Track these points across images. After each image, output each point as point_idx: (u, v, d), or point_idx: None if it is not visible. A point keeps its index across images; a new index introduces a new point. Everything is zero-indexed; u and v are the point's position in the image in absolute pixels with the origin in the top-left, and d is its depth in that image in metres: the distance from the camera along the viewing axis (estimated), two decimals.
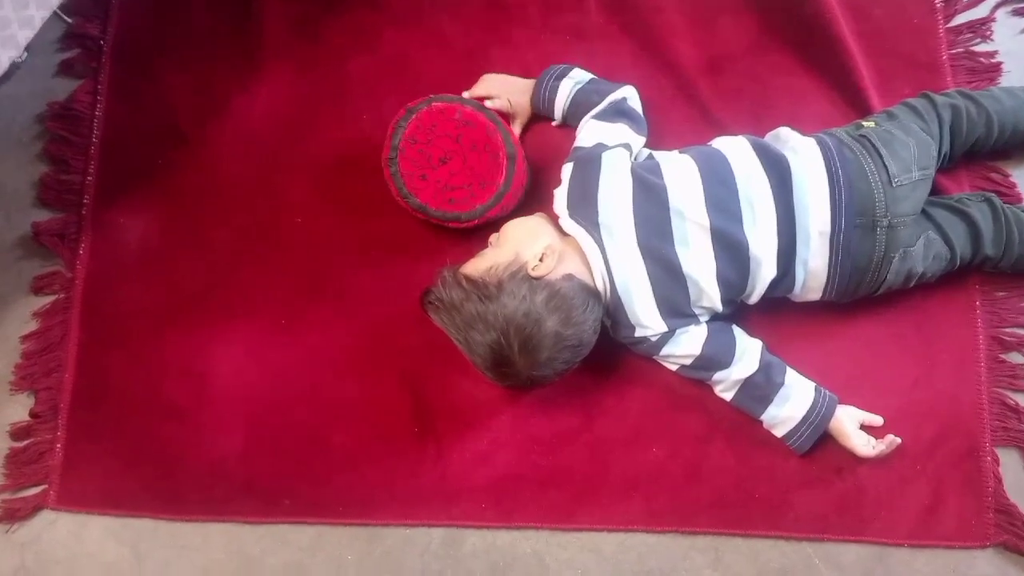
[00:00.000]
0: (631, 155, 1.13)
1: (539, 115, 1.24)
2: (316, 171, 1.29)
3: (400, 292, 1.22)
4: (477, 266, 1.08)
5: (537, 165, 1.24)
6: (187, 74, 1.32)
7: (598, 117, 1.17)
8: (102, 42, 1.35)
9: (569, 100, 1.20)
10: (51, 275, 1.29)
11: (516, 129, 1.22)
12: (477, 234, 1.19)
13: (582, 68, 1.22)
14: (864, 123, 1.12)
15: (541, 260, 1.06)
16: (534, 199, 1.22)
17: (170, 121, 1.31)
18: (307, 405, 1.21)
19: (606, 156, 1.11)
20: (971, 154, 1.18)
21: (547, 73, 1.21)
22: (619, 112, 1.17)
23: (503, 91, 1.22)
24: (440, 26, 1.32)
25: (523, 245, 1.08)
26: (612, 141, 1.14)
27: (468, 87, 1.25)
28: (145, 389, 1.23)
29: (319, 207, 1.27)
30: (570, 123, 1.21)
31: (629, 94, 1.19)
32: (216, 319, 1.24)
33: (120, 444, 1.22)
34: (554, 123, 1.24)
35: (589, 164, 1.11)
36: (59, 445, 1.23)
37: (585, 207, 1.09)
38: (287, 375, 1.22)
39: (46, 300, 1.28)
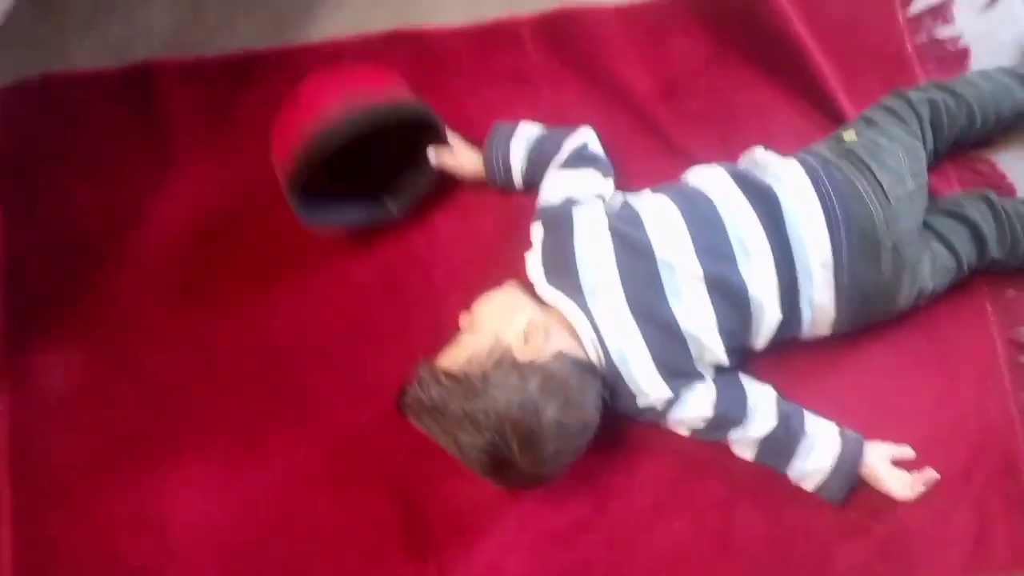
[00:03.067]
0: (604, 205, 1.03)
1: (497, 188, 1.13)
2: (255, 267, 1.16)
3: (371, 391, 1.10)
4: (455, 357, 0.96)
5: (502, 227, 1.13)
6: (91, 182, 1.18)
7: (560, 167, 1.07)
8: None
9: (525, 162, 1.10)
10: None
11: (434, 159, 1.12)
12: (448, 318, 1.06)
13: (528, 121, 1.12)
14: (844, 135, 1.05)
15: (526, 341, 0.95)
16: (503, 265, 1.09)
17: (79, 237, 1.17)
18: (284, 538, 1.08)
19: (578, 213, 1.01)
20: (955, 146, 1.12)
21: (492, 140, 1.11)
22: (581, 158, 1.08)
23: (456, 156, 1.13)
24: None
25: (502, 324, 0.97)
26: (581, 193, 1.04)
27: None
28: (98, 551, 1.08)
29: (264, 308, 1.14)
30: (533, 185, 1.10)
31: (587, 137, 1.10)
32: (166, 458, 1.10)
33: None
34: (516, 189, 1.13)
35: (560, 225, 1.01)
36: None
37: (564, 272, 0.99)
38: (256, 509, 1.09)
39: None
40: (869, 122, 1.06)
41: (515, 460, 0.91)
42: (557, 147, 1.08)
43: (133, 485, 1.10)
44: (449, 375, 0.94)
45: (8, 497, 1.10)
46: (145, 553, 1.08)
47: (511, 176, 1.11)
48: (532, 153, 1.10)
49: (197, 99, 1.20)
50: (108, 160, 1.19)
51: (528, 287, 1.02)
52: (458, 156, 1.12)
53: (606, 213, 1.02)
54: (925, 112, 1.06)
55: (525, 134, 1.11)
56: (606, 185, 1.07)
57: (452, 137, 1.12)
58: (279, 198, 1.15)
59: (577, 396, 0.94)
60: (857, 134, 1.04)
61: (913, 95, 1.08)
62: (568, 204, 1.03)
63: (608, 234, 0.99)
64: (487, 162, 1.11)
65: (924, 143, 1.06)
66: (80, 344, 1.14)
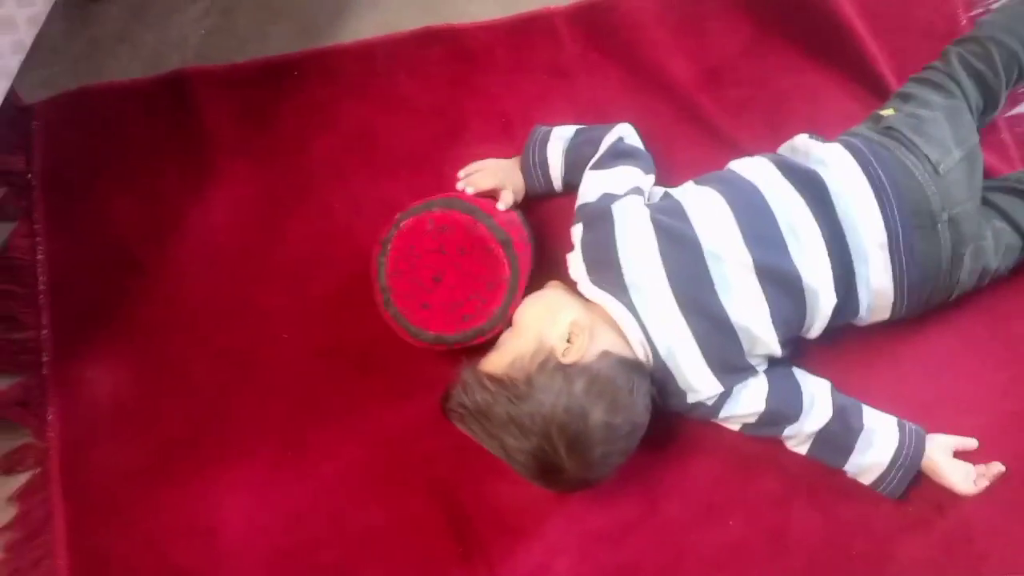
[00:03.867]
0: (645, 199, 1.01)
1: (538, 194, 1.10)
2: (293, 276, 1.15)
3: (412, 393, 1.09)
4: (499, 361, 0.94)
5: (543, 231, 1.10)
6: (130, 193, 1.18)
7: (596, 167, 1.04)
8: (29, 175, 1.20)
9: (563, 164, 1.07)
10: (21, 449, 1.14)
11: (508, 200, 1.06)
12: None
13: (564, 124, 1.09)
14: (882, 113, 1.01)
15: (570, 341, 0.93)
16: (546, 267, 1.08)
17: (121, 249, 1.17)
18: (332, 542, 1.07)
19: (617, 208, 0.98)
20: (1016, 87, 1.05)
21: (529, 145, 1.09)
22: (618, 154, 1.05)
23: (494, 176, 1.08)
24: (400, 88, 1.18)
25: (545, 327, 0.95)
26: (620, 188, 1.01)
27: (441, 149, 1.13)
28: (149, 559, 1.08)
29: (304, 316, 1.13)
30: (573, 188, 1.07)
31: (624, 132, 1.07)
32: (213, 464, 1.10)
33: None
34: (557, 193, 1.10)
35: (600, 221, 0.98)
36: None
37: (606, 269, 0.96)
38: (303, 512, 1.08)
39: (20, 479, 1.13)
40: (905, 97, 1.03)
41: (563, 464, 0.89)
42: (594, 145, 1.06)
43: (181, 493, 1.10)
44: (493, 379, 0.92)
45: (61, 509, 1.11)
46: (196, 559, 1.08)
47: (550, 182, 1.09)
48: (569, 155, 1.07)
49: (232, 106, 1.19)
50: (146, 171, 1.18)
51: (571, 287, 1.00)
52: (498, 178, 1.08)
53: (648, 205, 0.99)
54: (958, 69, 1.01)
55: (561, 136, 1.08)
56: (646, 180, 1.04)
57: (496, 163, 1.10)
58: (315, 206, 1.16)
59: (625, 396, 0.92)
60: (895, 110, 1.01)
61: (940, 60, 1.04)
62: (606, 199, 1.00)
63: (651, 227, 0.96)
64: (524, 171, 1.08)
65: (969, 103, 1.01)
66: (126, 356, 1.14)
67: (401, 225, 1.01)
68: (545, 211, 1.12)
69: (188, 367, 1.13)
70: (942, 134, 0.97)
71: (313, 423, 1.11)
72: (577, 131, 1.08)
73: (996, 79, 1.01)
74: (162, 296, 1.15)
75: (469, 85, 1.17)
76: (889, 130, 0.98)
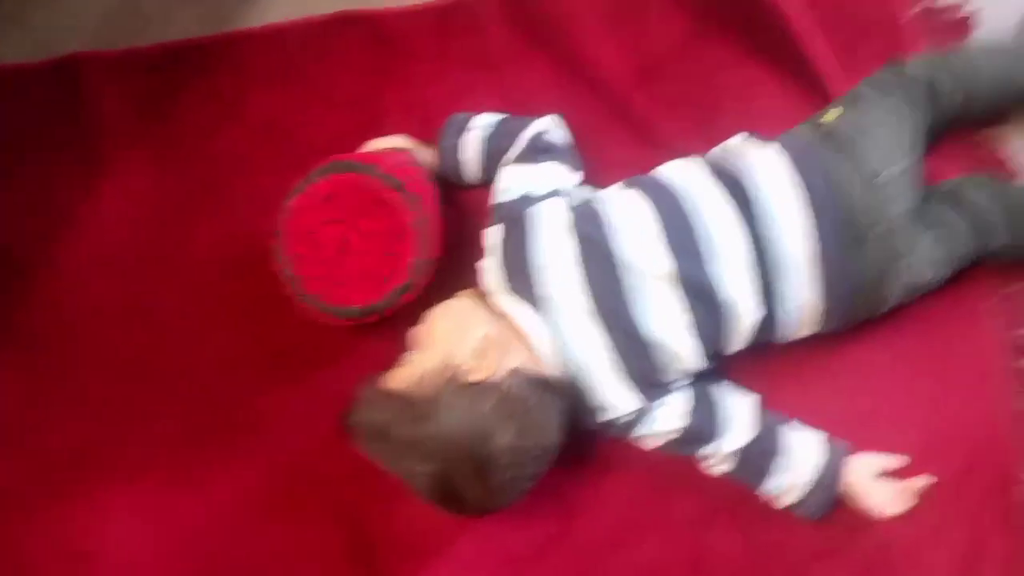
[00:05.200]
0: (568, 202, 0.94)
1: (452, 183, 1.04)
2: (195, 279, 1.08)
3: (319, 410, 1.02)
4: (402, 377, 0.88)
5: (455, 229, 1.03)
6: (13, 188, 1.10)
7: (518, 161, 0.98)
8: None
9: (481, 155, 1.01)
10: None
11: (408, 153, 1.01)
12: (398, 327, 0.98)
13: (486, 113, 1.04)
14: (825, 116, 0.97)
15: (480, 358, 0.86)
16: (457, 270, 1.01)
17: (1, 248, 1.08)
18: (225, 570, 1.00)
19: (533, 213, 0.92)
20: (953, 126, 1.03)
21: (445, 133, 1.03)
22: (539, 150, 0.98)
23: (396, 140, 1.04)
24: (316, 78, 1.11)
25: (454, 342, 0.88)
26: (539, 188, 0.95)
27: (357, 142, 1.05)
28: None
29: (205, 322, 1.06)
30: (488, 180, 1.01)
31: (546, 126, 1.01)
32: (96, 483, 1.02)
33: None
34: (471, 184, 1.04)
35: (515, 226, 0.92)
36: None
37: (520, 279, 0.90)
38: (193, 538, 1.01)
39: None
40: (857, 97, 0.98)
41: (466, 491, 0.84)
42: (512, 137, 1.00)
43: (59, 513, 1.02)
44: (395, 396, 0.86)
45: None
46: None
47: (464, 172, 1.03)
48: (487, 145, 1.01)
49: (130, 94, 1.12)
50: (33, 163, 1.10)
51: (482, 298, 0.94)
52: (401, 143, 1.04)
53: (568, 210, 0.93)
54: (921, 86, 0.98)
55: (480, 125, 1.02)
56: (570, 178, 0.98)
57: (403, 139, 1.04)
58: (220, 203, 1.08)
59: (537, 417, 0.86)
60: (842, 112, 0.96)
61: (909, 68, 1.00)
62: (524, 203, 0.94)
63: (569, 235, 0.90)
64: (440, 159, 1.03)
65: (919, 118, 0.97)
66: (5, 363, 1.07)
67: (287, 208, 0.95)
68: (457, 211, 1.05)
69: (74, 377, 1.06)
70: (887, 144, 0.93)
71: (210, 440, 1.04)
72: (499, 121, 1.02)
73: (945, 114, 0.99)
74: (47, 300, 1.08)
75: (388, 74, 1.11)
76: (830, 135, 0.94)
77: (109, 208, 1.09)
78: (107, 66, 1.12)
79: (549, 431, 0.87)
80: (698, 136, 1.03)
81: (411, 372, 0.88)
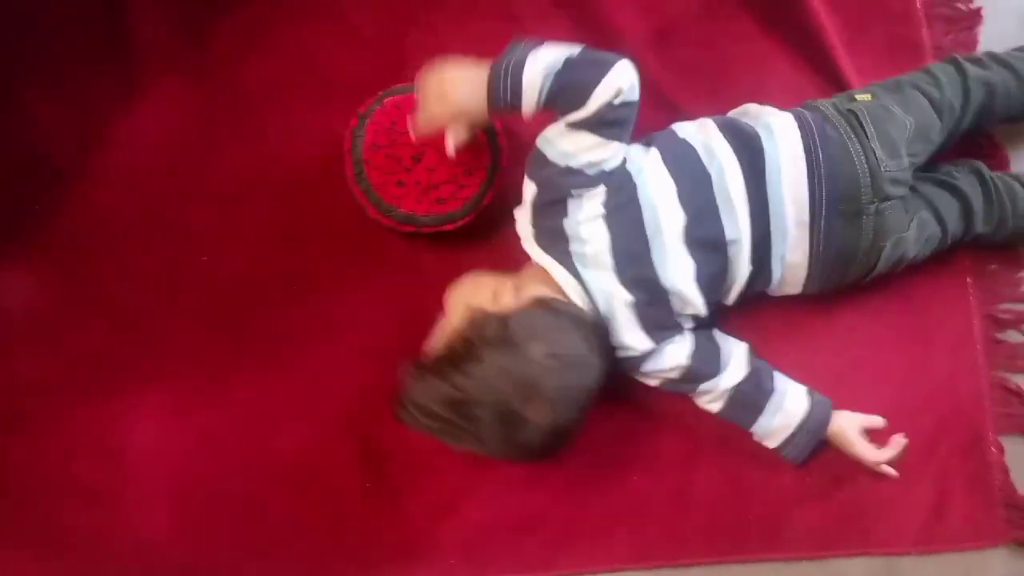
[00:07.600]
0: (609, 183, 0.94)
1: (499, 113, 0.94)
2: (220, 198, 1.12)
3: (337, 326, 1.09)
4: (436, 343, 0.95)
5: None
6: (55, 100, 1.12)
7: (577, 126, 0.91)
8: None
9: (539, 96, 0.91)
10: None
11: (450, 143, 0.97)
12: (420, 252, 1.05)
13: (552, 44, 0.92)
14: (857, 96, 1.00)
15: (496, 298, 0.93)
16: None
17: (41, 156, 1.12)
18: (241, 471, 1.07)
19: (573, 203, 0.93)
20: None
21: (503, 62, 0.91)
22: (609, 122, 0.91)
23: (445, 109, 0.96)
24: (346, 17, 1.15)
25: (470, 296, 0.95)
26: (592, 167, 0.92)
27: (385, 84, 1.08)
28: (52, 474, 1.06)
29: (228, 240, 1.11)
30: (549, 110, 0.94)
31: (624, 82, 0.90)
32: (126, 384, 1.08)
33: (32, 541, 1.05)
34: (524, 117, 0.94)
35: (555, 204, 0.94)
36: None
37: (554, 237, 0.95)
38: (214, 439, 1.07)
39: None
40: (898, 85, 1.01)
41: (524, 414, 0.86)
42: (583, 95, 0.89)
43: (91, 410, 1.07)
44: (434, 359, 0.91)
45: None
46: (99, 477, 1.06)
47: (518, 110, 0.92)
48: (551, 90, 0.90)
49: (170, 18, 1.14)
50: (75, 79, 1.13)
51: (494, 270, 1.00)
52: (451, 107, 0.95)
53: (606, 191, 0.93)
54: (979, 93, 1.01)
55: (545, 61, 0.90)
56: (620, 151, 0.93)
57: (449, 70, 0.95)
58: (248, 126, 1.13)
59: (563, 336, 0.89)
60: (874, 96, 1.00)
61: (971, 69, 1.02)
62: (571, 179, 0.92)
63: (603, 224, 0.93)
64: (491, 87, 0.90)
65: (951, 123, 1.01)
66: (39, 266, 1.11)
67: (384, 101, 1.02)
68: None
69: (105, 283, 1.10)
70: (900, 137, 0.96)
71: (232, 350, 1.09)
72: (567, 62, 0.90)
73: (991, 121, 1.03)
74: (81, 207, 1.11)
75: (416, 20, 1.14)
76: (851, 113, 0.97)
77: (144, 126, 1.12)
78: None
79: (580, 346, 0.89)
80: (707, 102, 1.08)
81: (441, 334, 0.94)
